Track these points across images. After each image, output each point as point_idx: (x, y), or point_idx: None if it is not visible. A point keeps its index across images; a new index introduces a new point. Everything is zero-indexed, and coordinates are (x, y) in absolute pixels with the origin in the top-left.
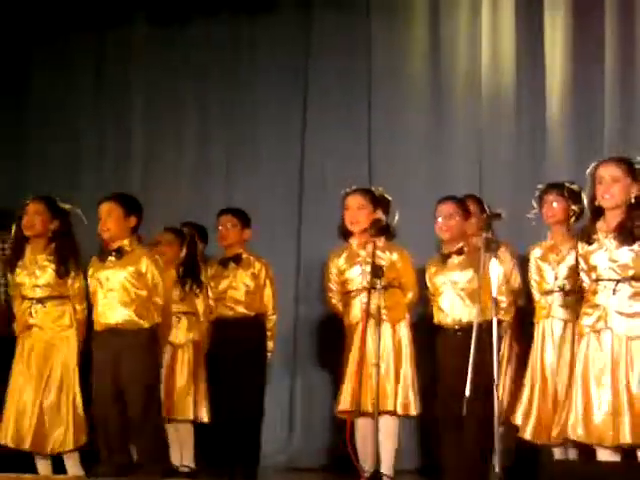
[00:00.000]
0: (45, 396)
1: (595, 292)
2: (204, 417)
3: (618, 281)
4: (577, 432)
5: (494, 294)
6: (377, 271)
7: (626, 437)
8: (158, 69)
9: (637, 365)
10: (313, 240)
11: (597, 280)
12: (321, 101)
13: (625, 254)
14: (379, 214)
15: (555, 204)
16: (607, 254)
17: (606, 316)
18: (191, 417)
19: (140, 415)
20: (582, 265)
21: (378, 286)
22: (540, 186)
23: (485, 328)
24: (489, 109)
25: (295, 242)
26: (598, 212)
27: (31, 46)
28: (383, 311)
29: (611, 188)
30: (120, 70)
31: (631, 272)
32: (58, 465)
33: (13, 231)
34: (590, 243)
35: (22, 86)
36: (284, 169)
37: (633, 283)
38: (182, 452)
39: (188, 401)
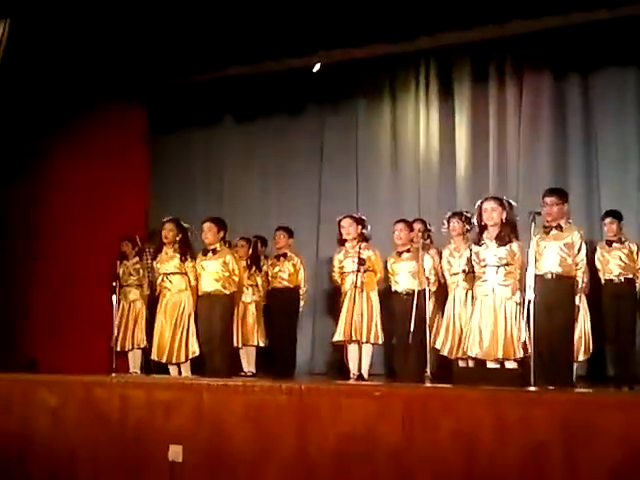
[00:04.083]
0: (175, 330)
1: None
2: (262, 343)
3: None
4: (474, 351)
5: (426, 274)
6: (362, 261)
7: (499, 353)
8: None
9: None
10: (326, 243)
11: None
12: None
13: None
14: (366, 231)
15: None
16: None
17: (492, 287)
18: (255, 344)
19: (221, 340)
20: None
21: (362, 270)
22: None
23: (422, 295)
24: (425, 174)
25: (315, 244)
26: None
27: None
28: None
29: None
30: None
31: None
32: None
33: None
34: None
35: None
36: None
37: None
38: (248, 362)
39: (254, 333)
